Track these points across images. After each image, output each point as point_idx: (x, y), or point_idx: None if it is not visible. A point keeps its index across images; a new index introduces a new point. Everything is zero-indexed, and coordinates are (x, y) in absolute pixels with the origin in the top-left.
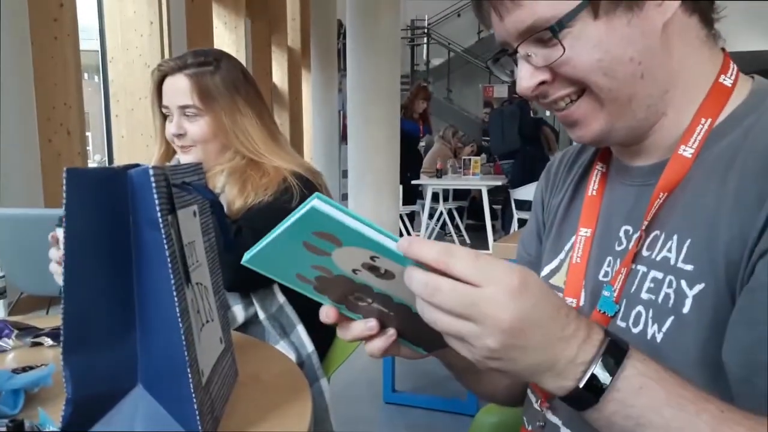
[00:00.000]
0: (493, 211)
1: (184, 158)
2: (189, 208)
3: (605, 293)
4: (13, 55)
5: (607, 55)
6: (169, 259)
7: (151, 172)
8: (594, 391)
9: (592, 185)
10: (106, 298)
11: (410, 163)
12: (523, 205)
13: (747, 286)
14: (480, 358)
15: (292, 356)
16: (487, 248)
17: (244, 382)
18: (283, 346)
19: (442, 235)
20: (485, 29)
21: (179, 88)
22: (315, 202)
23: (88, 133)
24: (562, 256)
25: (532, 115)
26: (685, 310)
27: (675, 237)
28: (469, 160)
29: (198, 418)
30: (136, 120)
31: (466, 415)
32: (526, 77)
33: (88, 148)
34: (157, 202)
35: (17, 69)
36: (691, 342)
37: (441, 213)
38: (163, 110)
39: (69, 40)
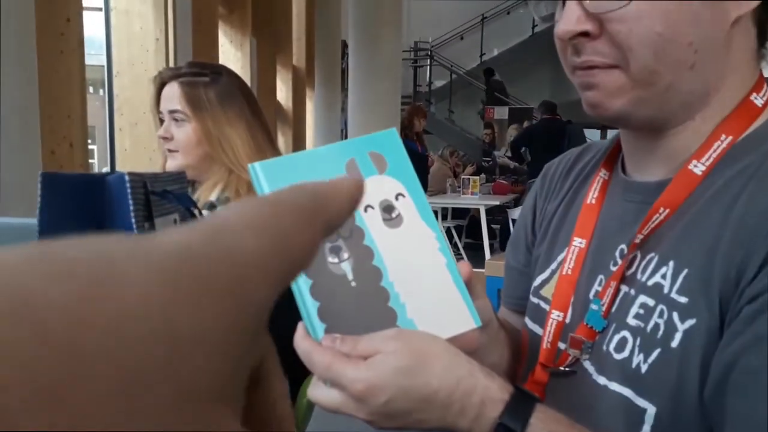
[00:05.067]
0: (491, 231)
1: (168, 163)
2: (169, 216)
3: (593, 307)
4: (19, 67)
5: (669, 31)
6: None
7: (126, 178)
8: None
9: (593, 193)
10: None
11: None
12: None
13: (731, 329)
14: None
15: None
16: (483, 267)
17: None
18: None
19: None
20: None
21: (171, 95)
22: (394, 129)
23: (93, 146)
24: (554, 266)
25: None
26: (674, 344)
27: (671, 264)
28: (468, 179)
29: None
30: (140, 133)
31: None
32: (572, 20)
33: (92, 160)
34: (132, 208)
35: (22, 81)
36: (674, 378)
37: None
38: (160, 116)
39: (75, 54)
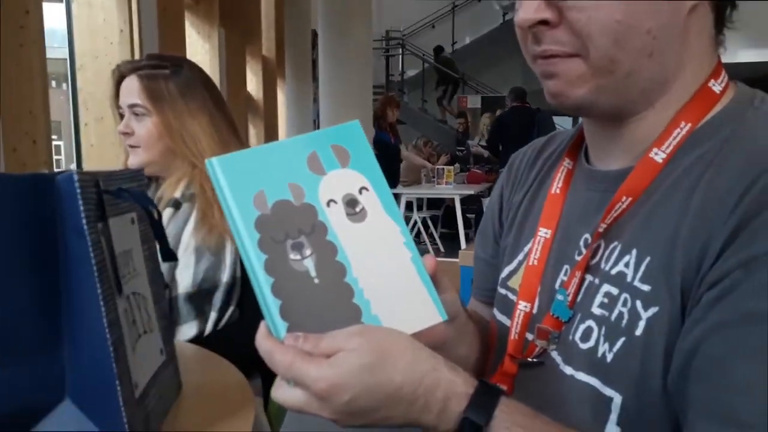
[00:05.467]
0: (467, 220)
1: (131, 160)
2: (126, 215)
3: (559, 297)
4: None
5: (627, 19)
6: (95, 268)
7: (75, 177)
8: None
9: (557, 183)
10: (31, 308)
11: (393, 174)
12: None
13: (692, 317)
14: None
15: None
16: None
17: (187, 394)
18: None
19: (417, 244)
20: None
21: (130, 88)
22: (357, 122)
23: (59, 142)
24: (520, 257)
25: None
26: (638, 332)
27: (634, 252)
28: (443, 169)
29: (128, 431)
30: (106, 128)
31: None
32: (531, 9)
33: (59, 157)
34: (82, 208)
35: None
36: (639, 367)
37: (415, 222)
38: (119, 111)
39: (35, 47)
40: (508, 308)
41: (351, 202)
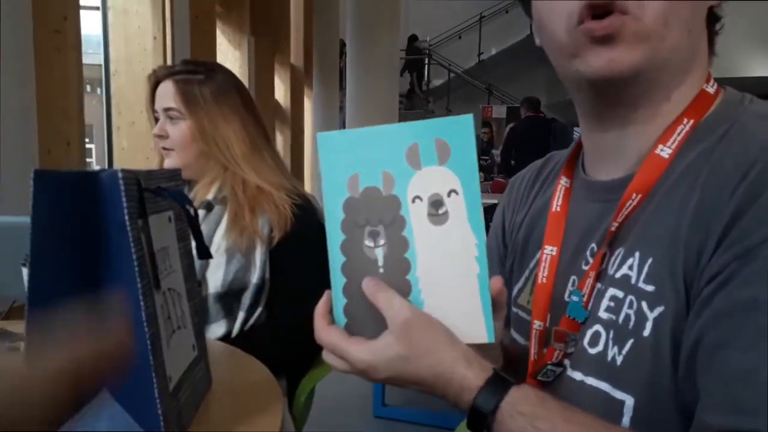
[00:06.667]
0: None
1: (165, 162)
2: (164, 213)
3: (574, 298)
4: (16, 65)
5: None
6: (136, 264)
7: (119, 175)
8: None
9: (557, 201)
10: (72, 301)
11: None
12: None
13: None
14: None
15: None
16: None
17: (217, 390)
18: None
19: None
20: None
21: (165, 93)
22: (470, 116)
23: (91, 145)
24: (526, 273)
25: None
26: (645, 333)
27: (636, 254)
28: None
29: (162, 423)
30: (137, 132)
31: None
32: None
33: (90, 159)
34: (125, 205)
35: (19, 80)
36: (648, 367)
37: None
38: (155, 115)
39: (72, 52)
40: (523, 327)
41: (436, 203)
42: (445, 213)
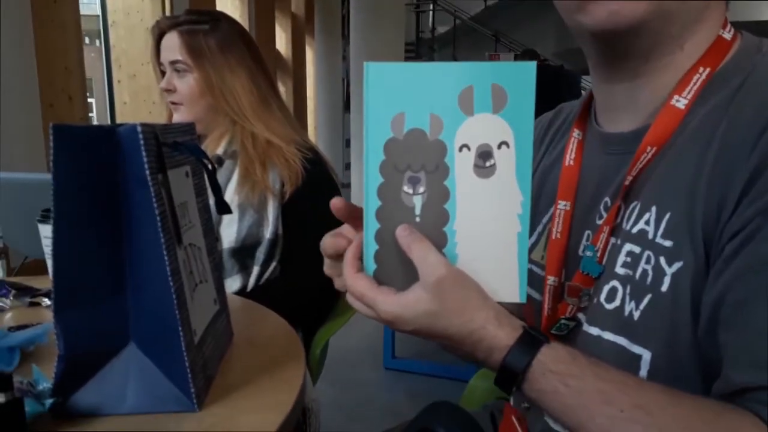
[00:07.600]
0: None
1: (175, 117)
2: (181, 168)
3: (588, 253)
4: (13, 17)
5: None
6: (159, 219)
7: (139, 129)
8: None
9: (569, 154)
10: (95, 256)
11: None
12: None
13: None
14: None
15: None
16: None
17: (238, 343)
18: None
19: None
20: None
21: (171, 45)
22: (533, 64)
23: (91, 100)
24: (539, 228)
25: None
26: (664, 288)
27: (653, 209)
28: None
29: (190, 376)
30: (139, 86)
31: (464, 381)
32: None
33: (91, 114)
34: (145, 160)
35: (18, 32)
36: (667, 322)
37: None
38: (161, 68)
39: (68, 2)
40: (537, 282)
41: (484, 155)
42: (493, 166)
